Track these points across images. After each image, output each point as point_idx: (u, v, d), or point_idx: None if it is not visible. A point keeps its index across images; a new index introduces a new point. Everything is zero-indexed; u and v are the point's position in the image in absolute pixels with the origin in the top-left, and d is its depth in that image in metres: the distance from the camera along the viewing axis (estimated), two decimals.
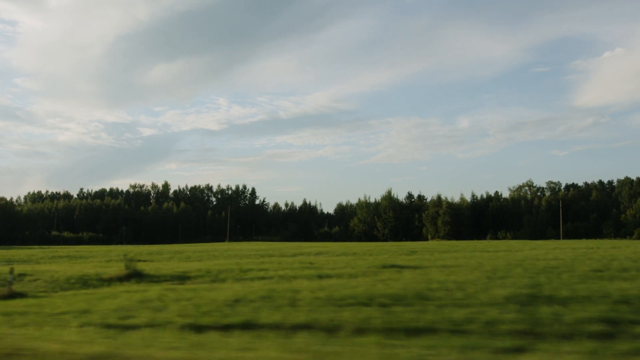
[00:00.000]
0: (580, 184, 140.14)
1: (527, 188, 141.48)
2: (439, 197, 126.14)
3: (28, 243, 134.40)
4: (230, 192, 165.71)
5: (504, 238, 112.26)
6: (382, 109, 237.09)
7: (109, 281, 19.01)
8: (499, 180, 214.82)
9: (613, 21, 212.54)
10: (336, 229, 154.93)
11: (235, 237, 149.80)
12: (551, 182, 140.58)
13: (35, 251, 54.65)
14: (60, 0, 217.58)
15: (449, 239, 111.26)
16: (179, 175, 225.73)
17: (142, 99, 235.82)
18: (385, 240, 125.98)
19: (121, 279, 19.20)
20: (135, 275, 19.35)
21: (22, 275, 20.11)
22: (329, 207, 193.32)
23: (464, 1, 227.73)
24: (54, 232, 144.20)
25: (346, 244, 79.12)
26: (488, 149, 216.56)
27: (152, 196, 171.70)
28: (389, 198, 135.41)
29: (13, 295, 14.90)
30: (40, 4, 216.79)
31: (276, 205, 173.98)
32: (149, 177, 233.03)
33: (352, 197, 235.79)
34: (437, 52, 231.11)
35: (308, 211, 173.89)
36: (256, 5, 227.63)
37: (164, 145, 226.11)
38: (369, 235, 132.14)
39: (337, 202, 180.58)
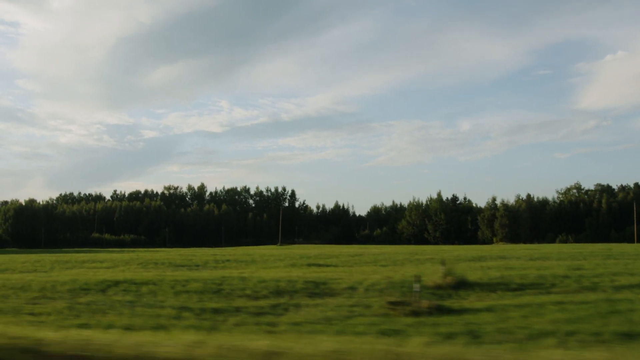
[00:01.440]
0: (631, 185, 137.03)
1: (575, 190, 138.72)
2: (494, 200, 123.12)
3: (71, 245, 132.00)
4: (269, 194, 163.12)
5: (566, 241, 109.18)
6: (384, 112, 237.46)
7: (435, 289, 16.22)
8: (500, 183, 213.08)
9: (615, 24, 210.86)
10: (378, 231, 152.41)
11: (277, 240, 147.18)
12: (599, 185, 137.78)
13: (142, 254, 51.97)
14: (62, 2, 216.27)
15: (509, 242, 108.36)
16: (181, 177, 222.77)
17: (144, 101, 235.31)
18: (437, 243, 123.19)
19: (444, 288, 16.40)
20: (463, 285, 16.54)
21: (320, 283, 17.38)
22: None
23: (465, 4, 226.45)
24: (95, 234, 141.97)
25: (456, 247, 76.12)
26: (490, 151, 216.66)
27: (188, 198, 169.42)
28: (439, 200, 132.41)
29: (440, 309, 12.12)
30: (42, 6, 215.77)
31: (307, 208, 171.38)
32: (151, 180, 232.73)
33: (356, 200, 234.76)
34: (438, 54, 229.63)
35: (342, 214, 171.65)
36: (257, 7, 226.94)
37: (166, 148, 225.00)
38: (418, 238, 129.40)
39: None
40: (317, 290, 16.41)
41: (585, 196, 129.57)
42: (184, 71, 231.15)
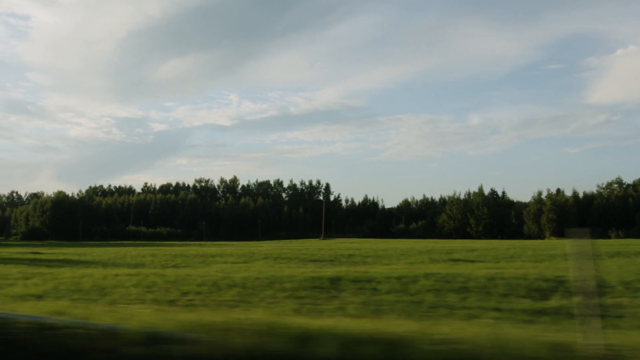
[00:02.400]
0: None
1: (616, 185, 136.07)
2: (539, 194, 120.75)
3: (107, 238, 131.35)
4: (303, 187, 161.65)
5: (617, 237, 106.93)
6: (392, 106, 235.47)
7: None
8: (510, 178, 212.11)
9: (626, 19, 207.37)
10: (414, 225, 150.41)
11: (313, 234, 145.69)
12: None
13: (245, 249, 50.69)
14: None
15: (559, 238, 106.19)
16: (189, 170, 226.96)
17: (153, 94, 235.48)
18: (479, 237, 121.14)
19: None
20: None
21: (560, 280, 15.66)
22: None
23: None
24: (132, 227, 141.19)
25: (522, 242, 74.14)
26: (499, 146, 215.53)
27: (221, 191, 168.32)
28: (482, 194, 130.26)
29: None
30: None
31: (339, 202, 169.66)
32: (160, 173, 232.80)
33: (365, 193, 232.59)
34: (447, 49, 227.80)
35: (372, 207, 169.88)
36: (266, 1, 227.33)
37: (175, 141, 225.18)
38: (460, 233, 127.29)
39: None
40: (561, 288, 14.72)
41: (634, 192, 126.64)
42: (194, 65, 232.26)
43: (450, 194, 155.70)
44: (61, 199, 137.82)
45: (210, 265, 26.99)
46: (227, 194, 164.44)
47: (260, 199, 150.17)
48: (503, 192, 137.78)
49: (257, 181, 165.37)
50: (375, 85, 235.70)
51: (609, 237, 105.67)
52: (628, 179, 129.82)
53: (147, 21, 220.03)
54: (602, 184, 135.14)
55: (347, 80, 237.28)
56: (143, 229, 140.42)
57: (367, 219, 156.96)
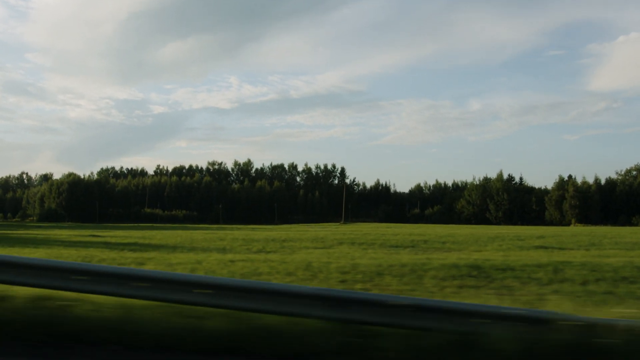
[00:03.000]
0: None
1: (635, 172, 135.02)
2: (562, 180, 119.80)
3: (124, 221, 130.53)
4: (318, 171, 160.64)
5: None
6: (393, 91, 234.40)
7: None
8: (510, 164, 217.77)
9: (629, 5, 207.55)
10: (430, 210, 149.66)
11: (330, 218, 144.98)
12: None
13: (277, 232, 49.79)
14: None
15: (582, 224, 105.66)
16: (188, 153, 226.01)
17: (154, 76, 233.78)
18: (499, 223, 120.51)
19: None
20: None
21: None
22: None
23: None
24: (147, 210, 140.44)
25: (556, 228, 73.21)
26: (499, 132, 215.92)
27: (234, 174, 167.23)
28: (501, 179, 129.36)
29: None
30: None
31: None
32: (159, 155, 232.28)
33: (377, 178, 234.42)
34: (449, 34, 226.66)
35: (384, 192, 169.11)
36: None
37: (174, 123, 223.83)
38: (479, 218, 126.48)
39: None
40: None
41: None
42: (194, 47, 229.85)
43: (462, 179, 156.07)
44: (77, 181, 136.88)
45: (296, 252, 25.92)
46: (241, 177, 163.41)
47: (276, 182, 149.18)
48: (521, 178, 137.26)
49: (271, 164, 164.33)
50: (376, 70, 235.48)
51: (633, 224, 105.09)
52: (627, 166, 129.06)
53: (148, 3, 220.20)
54: (621, 171, 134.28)
55: (348, 65, 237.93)
56: (159, 211, 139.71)
57: (382, 204, 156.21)
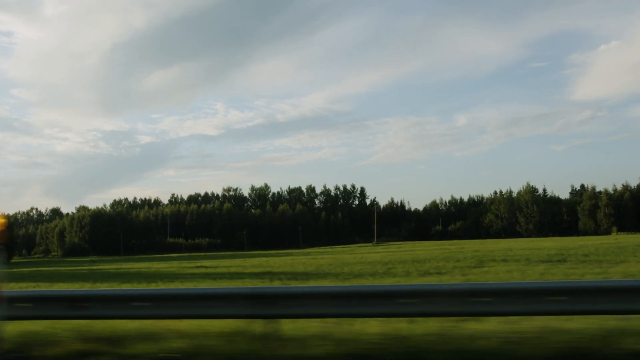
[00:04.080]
0: None
1: None
2: (593, 189, 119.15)
3: (147, 252, 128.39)
4: (338, 192, 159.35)
5: None
6: (379, 109, 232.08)
7: None
8: (499, 177, 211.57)
9: (608, 15, 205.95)
10: (453, 226, 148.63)
11: (355, 239, 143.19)
12: None
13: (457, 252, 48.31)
14: (56, 9, 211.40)
15: (629, 233, 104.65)
16: (177, 182, 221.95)
17: (140, 106, 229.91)
18: (530, 236, 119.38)
19: None
20: None
21: None
22: None
23: None
24: (170, 239, 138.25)
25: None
26: (486, 145, 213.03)
27: (250, 199, 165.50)
28: (530, 191, 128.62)
29: None
30: (35, 14, 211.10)
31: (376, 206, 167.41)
32: (148, 185, 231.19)
33: (391, 196, 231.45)
34: (432, 50, 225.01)
35: (399, 210, 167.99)
36: (251, 8, 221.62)
37: (162, 152, 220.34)
38: (508, 232, 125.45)
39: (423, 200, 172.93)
40: None
41: None
42: (179, 75, 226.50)
43: (460, 194, 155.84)
44: (99, 214, 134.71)
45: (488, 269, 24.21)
46: (258, 202, 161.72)
47: (298, 206, 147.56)
48: (544, 189, 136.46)
49: (289, 188, 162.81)
50: (362, 89, 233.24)
51: None
52: (617, 174, 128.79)
53: (131, 33, 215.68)
54: None
55: (333, 85, 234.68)
56: (181, 240, 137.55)
57: (403, 222, 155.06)
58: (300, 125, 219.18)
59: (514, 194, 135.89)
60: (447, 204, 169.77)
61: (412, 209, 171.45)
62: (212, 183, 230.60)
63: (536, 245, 48.24)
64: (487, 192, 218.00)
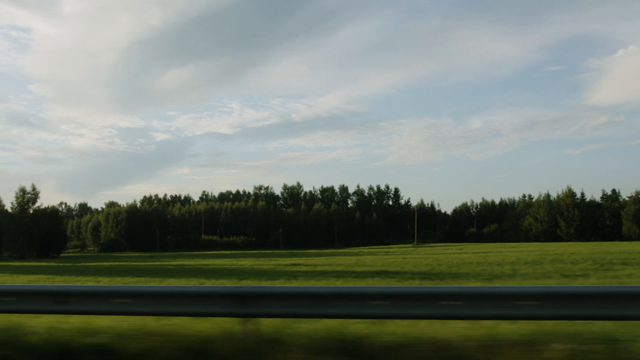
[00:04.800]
0: None
1: None
2: (637, 194, 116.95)
3: (183, 249, 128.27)
4: (371, 192, 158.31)
5: None
6: (394, 111, 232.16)
7: None
8: (513, 181, 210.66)
9: (627, 19, 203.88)
10: (487, 229, 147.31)
11: (389, 240, 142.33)
12: None
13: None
14: (74, 6, 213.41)
15: None
16: (191, 179, 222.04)
17: (155, 103, 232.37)
18: (570, 240, 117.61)
19: None
20: None
21: None
22: None
23: (475, 1, 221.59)
24: (205, 237, 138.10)
25: None
26: (501, 149, 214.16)
27: (281, 198, 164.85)
28: (571, 195, 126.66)
29: None
30: (54, 11, 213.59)
31: (411, 207, 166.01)
32: (162, 182, 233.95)
33: (421, 198, 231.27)
34: (448, 53, 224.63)
35: (430, 212, 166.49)
36: (268, 8, 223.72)
37: (177, 150, 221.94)
38: (548, 236, 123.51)
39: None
40: None
41: None
42: (195, 73, 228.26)
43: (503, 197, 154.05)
44: (135, 209, 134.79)
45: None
46: (290, 201, 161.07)
47: (333, 205, 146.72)
48: (582, 193, 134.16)
49: (322, 187, 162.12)
50: (377, 91, 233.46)
51: None
52: (630, 180, 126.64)
53: (148, 31, 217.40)
54: None
55: (349, 86, 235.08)
56: (215, 237, 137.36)
57: (437, 224, 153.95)
58: (315, 125, 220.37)
59: (552, 197, 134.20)
60: (478, 206, 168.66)
61: (443, 211, 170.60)
62: (226, 181, 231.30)
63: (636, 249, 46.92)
64: (505, 195, 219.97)
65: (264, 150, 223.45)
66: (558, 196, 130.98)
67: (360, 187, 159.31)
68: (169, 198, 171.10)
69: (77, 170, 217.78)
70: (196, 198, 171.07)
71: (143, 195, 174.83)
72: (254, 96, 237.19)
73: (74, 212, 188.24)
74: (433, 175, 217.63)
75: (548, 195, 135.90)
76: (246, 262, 45.77)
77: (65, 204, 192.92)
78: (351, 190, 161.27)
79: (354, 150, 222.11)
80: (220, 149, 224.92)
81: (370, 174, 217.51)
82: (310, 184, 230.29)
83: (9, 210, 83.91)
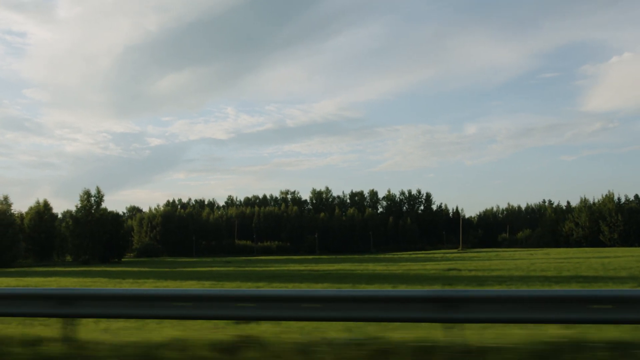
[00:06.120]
0: None
1: None
2: None
3: (218, 254, 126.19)
4: (402, 197, 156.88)
5: None
6: (390, 117, 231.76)
7: None
8: (508, 187, 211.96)
9: (621, 26, 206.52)
10: (521, 234, 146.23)
11: (421, 244, 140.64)
12: None
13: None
14: (70, 11, 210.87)
15: None
16: (187, 185, 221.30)
17: (151, 109, 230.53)
18: (613, 245, 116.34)
19: None
20: None
21: None
22: None
23: (472, 9, 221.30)
24: (240, 242, 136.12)
25: None
26: (496, 155, 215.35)
27: (308, 202, 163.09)
28: (612, 199, 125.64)
29: None
30: (49, 15, 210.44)
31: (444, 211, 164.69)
32: (157, 188, 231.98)
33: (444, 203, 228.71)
34: (445, 59, 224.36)
35: (455, 216, 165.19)
36: (265, 14, 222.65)
37: (172, 155, 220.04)
38: (590, 241, 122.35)
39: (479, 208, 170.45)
40: None
41: None
42: (191, 78, 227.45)
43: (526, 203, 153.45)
44: (170, 214, 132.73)
45: None
46: (318, 206, 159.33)
47: (368, 210, 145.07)
48: (626, 196, 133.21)
49: (351, 192, 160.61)
50: (373, 97, 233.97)
51: None
52: (624, 186, 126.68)
53: (144, 36, 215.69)
54: None
55: (345, 92, 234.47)
56: (250, 243, 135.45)
57: (470, 229, 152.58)
58: (310, 131, 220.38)
59: (589, 203, 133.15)
60: (504, 212, 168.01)
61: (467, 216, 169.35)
62: (221, 187, 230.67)
63: None
64: (500, 202, 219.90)
65: (259, 155, 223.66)
66: (598, 201, 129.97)
67: (392, 192, 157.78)
68: (193, 202, 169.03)
69: (72, 175, 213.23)
70: (221, 202, 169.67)
71: (179, 199, 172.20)
72: (249, 102, 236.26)
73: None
74: (428, 182, 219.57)
75: (586, 201, 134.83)
76: (360, 267, 44.11)
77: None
78: (381, 195, 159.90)
79: (349, 156, 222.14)
80: (216, 155, 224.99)
81: (364, 180, 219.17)
82: (307, 189, 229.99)
83: (73, 213, 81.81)
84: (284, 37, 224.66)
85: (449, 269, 35.05)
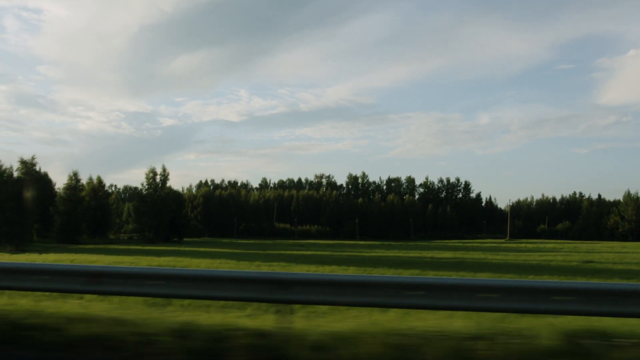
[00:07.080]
0: None
1: None
2: None
3: (258, 236, 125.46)
4: (441, 185, 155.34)
5: None
6: (402, 104, 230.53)
7: None
8: (520, 178, 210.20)
9: (639, 19, 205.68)
10: (561, 225, 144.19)
11: (459, 233, 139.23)
12: None
13: None
14: None
15: None
16: (197, 166, 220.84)
17: (164, 89, 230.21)
18: None
19: None
20: None
21: None
22: None
23: None
24: (279, 225, 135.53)
25: None
26: (508, 145, 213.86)
27: (345, 187, 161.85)
28: None
29: None
30: None
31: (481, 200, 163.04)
32: (168, 167, 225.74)
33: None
34: (459, 48, 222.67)
35: (489, 206, 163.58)
36: None
37: (184, 136, 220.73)
38: (636, 235, 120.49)
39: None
40: None
41: None
42: (205, 60, 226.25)
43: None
44: (211, 194, 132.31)
45: None
46: (354, 191, 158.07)
47: (407, 197, 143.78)
48: None
49: (388, 177, 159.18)
50: (386, 83, 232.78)
51: None
52: (635, 181, 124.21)
53: (159, 16, 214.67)
54: None
55: (358, 78, 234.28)
56: (289, 226, 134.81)
57: (513, 219, 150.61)
58: (323, 115, 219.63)
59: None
60: (537, 203, 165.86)
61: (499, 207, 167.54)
62: (232, 169, 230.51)
63: None
64: (512, 192, 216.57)
65: (271, 139, 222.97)
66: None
67: (430, 180, 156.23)
68: (227, 184, 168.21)
69: (84, 153, 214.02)
70: (255, 184, 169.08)
71: (212, 179, 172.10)
72: (262, 84, 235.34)
73: (123, 194, 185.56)
74: (439, 170, 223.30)
75: (634, 193, 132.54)
76: (427, 255, 43.32)
77: (115, 186, 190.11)
78: (418, 181, 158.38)
79: (361, 142, 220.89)
80: (227, 136, 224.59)
81: (376, 165, 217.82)
82: (314, 173, 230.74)
83: (141, 190, 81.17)
84: (298, 21, 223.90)
85: (587, 262, 33.84)
